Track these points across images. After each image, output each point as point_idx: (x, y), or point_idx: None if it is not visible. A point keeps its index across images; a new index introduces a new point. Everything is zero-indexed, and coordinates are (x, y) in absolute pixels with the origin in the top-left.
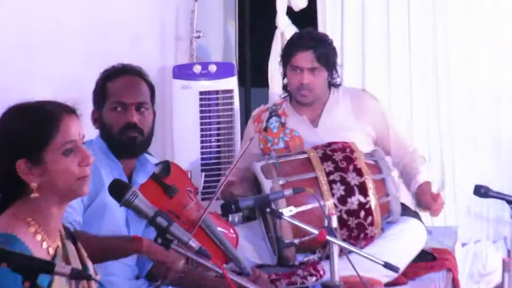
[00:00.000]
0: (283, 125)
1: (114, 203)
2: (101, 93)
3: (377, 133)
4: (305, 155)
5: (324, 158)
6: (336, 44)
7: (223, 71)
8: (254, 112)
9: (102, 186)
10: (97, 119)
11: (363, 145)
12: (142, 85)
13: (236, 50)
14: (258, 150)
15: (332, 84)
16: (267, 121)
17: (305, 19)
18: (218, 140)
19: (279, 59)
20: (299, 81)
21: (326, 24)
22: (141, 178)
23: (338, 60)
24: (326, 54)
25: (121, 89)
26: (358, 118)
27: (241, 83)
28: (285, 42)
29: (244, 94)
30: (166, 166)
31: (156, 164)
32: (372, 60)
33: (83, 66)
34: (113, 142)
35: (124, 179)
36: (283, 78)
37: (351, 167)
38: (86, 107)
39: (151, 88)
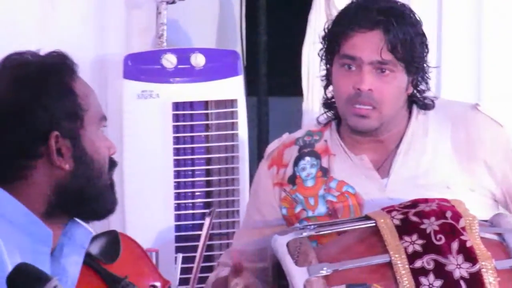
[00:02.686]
0: (324, 172)
1: None
2: (73, 103)
3: (507, 188)
4: (369, 223)
5: (405, 228)
6: (430, 36)
7: (218, 66)
8: (270, 148)
9: None
10: (67, 154)
11: (478, 207)
12: None
13: (241, 30)
14: (278, 216)
15: (415, 101)
16: (296, 164)
17: None
18: (207, 194)
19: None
20: (354, 85)
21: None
22: (71, 259)
23: (431, 58)
24: (407, 41)
25: (93, 96)
26: (467, 161)
27: (252, 88)
28: (334, 12)
29: (256, 108)
30: (112, 242)
31: (94, 238)
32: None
33: None
34: (97, 189)
35: (45, 268)
36: (326, 85)
37: (454, 245)
38: None
39: None
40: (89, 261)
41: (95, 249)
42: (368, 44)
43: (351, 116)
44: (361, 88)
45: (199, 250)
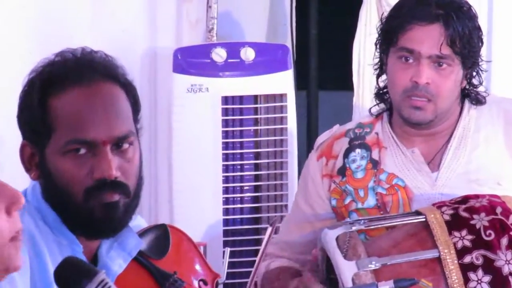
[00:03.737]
0: (374, 164)
1: None
2: (40, 118)
3: None
4: (419, 218)
5: (455, 223)
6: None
7: (267, 60)
8: (320, 139)
9: (48, 282)
10: (36, 164)
11: None
12: (117, 97)
13: (292, 24)
14: (327, 209)
15: (467, 95)
16: (346, 156)
17: None
18: (256, 188)
19: (372, 36)
20: (411, 78)
21: None
22: (116, 262)
23: (484, 53)
24: (466, 36)
25: (79, 115)
26: None
27: (302, 82)
28: (386, 8)
29: (306, 102)
30: (162, 236)
31: (143, 233)
32: None
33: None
34: (70, 213)
35: None
36: (378, 75)
37: (504, 241)
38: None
39: (133, 97)
40: (138, 257)
41: (145, 244)
42: (427, 38)
43: (406, 108)
44: (419, 81)
45: (258, 259)
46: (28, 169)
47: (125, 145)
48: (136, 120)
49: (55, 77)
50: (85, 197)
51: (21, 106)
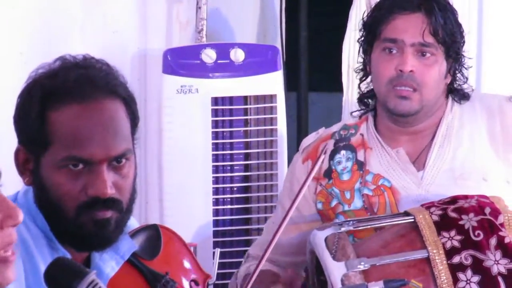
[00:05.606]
0: (360, 166)
1: None
2: (37, 130)
3: None
4: (408, 219)
5: (444, 224)
6: (471, 29)
7: (257, 61)
8: (306, 142)
9: (42, 286)
10: (30, 170)
11: None
12: (117, 114)
13: (281, 25)
14: (313, 211)
15: (452, 91)
16: (331, 158)
17: None
18: (246, 189)
19: (358, 35)
20: (396, 67)
21: None
22: (108, 264)
23: (471, 51)
24: (448, 26)
25: (78, 132)
26: (503, 152)
27: (292, 84)
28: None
29: (296, 104)
30: (154, 237)
31: (135, 234)
32: None
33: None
34: (60, 225)
35: None
36: (362, 77)
37: (493, 241)
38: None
39: (132, 112)
40: (129, 257)
41: (137, 246)
42: (410, 26)
43: (392, 98)
44: (403, 69)
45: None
46: (21, 173)
47: (122, 161)
48: (133, 133)
49: (57, 91)
50: (77, 212)
51: (18, 112)
